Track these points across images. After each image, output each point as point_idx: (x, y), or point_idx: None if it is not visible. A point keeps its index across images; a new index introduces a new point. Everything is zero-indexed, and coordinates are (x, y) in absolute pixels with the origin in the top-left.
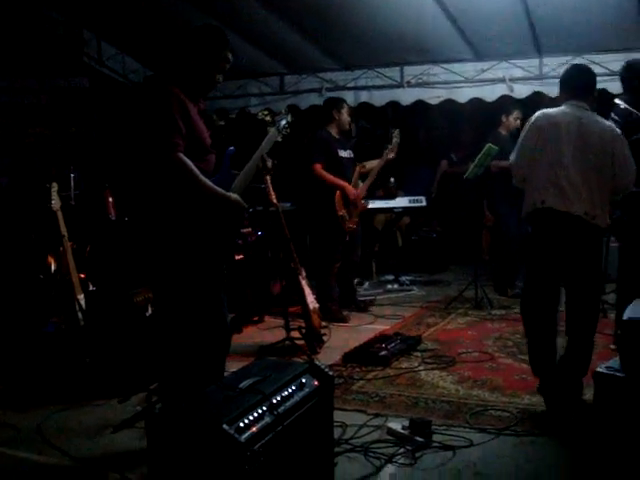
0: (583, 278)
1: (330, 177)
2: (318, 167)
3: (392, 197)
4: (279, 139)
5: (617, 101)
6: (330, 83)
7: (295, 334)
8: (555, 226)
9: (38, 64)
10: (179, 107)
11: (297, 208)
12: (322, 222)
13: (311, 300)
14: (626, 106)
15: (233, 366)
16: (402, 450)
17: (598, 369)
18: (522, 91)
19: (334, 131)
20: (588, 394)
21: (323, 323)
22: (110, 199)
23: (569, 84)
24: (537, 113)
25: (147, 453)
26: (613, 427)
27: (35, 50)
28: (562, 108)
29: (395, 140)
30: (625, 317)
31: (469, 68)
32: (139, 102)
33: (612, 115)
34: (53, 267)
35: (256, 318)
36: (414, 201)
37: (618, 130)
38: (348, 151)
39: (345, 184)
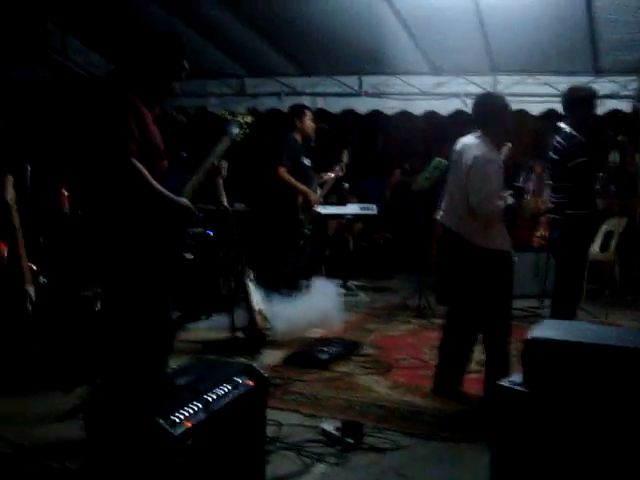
0: (479, 292)
1: (295, 182)
2: (283, 170)
3: (343, 203)
4: (237, 139)
5: (561, 125)
6: (289, 88)
7: (239, 334)
8: (446, 240)
9: None
10: (134, 113)
11: (251, 210)
12: (281, 225)
13: (256, 301)
14: (571, 130)
15: (177, 363)
16: (333, 450)
17: (501, 382)
18: None
19: (298, 138)
20: None
21: (267, 324)
22: (65, 193)
23: (472, 115)
24: None
25: (85, 442)
26: (512, 437)
27: None
28: (468, 136)
29: (344, 161)
30: (529, 336)
31: (425, 81)
32: (95, 102)
33: (556, 138)
34: (4, 256)
35: (203, 317)
36: (365, 208)
37: (485, 158)
38: (309, 159)
39: (308, 190)
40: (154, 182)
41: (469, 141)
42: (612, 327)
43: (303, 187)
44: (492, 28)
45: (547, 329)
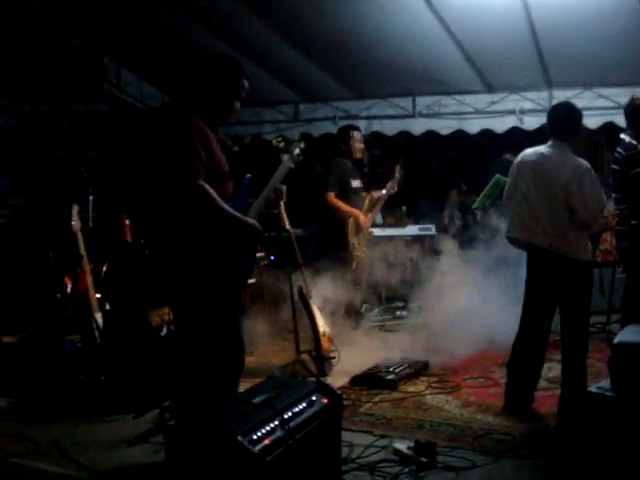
0: (565, 305)
1: (343, 206)
2: (331, 196)
3: (402, 225)
4: (292, 166)
5: (622, 136)
6: (343, 112)
7: (305, 357)
8: (529, 257)
9: (59, 89)
10: (200, 136)
11: (308, 234)
12: (332, 249)
13: (321, 324)
14: (630, 140)
15: (242, 386)
16: (407, 470)
17: (589, 389)
18: (532, 123)
19: (348, 161)
20: None
21: (332, 347)
22: (127, 222)
23: (548, 124)
24: (521, 153)
25: (165, 464)
26: (604, 444)
27: (57, 75)
28: (538, 147)
29: (397, 176)
30: (616, 341)
31: (480, 99)
32: (158, 129)
33: (617, 149)
34: (69, 286)
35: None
36: (424, 229)
37: (584, 168)
38: (358, 180)
39: (358, 213)
40: (223, 203)
41: (554, 155)
42: None
43: (353, 210)
44: (546, 43)
45: (632, 333)
